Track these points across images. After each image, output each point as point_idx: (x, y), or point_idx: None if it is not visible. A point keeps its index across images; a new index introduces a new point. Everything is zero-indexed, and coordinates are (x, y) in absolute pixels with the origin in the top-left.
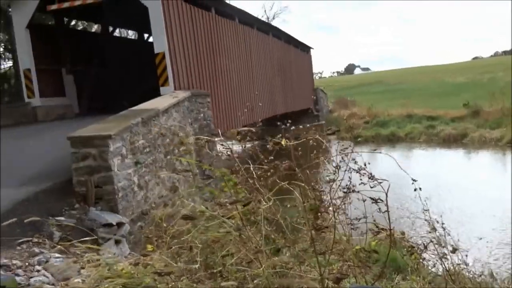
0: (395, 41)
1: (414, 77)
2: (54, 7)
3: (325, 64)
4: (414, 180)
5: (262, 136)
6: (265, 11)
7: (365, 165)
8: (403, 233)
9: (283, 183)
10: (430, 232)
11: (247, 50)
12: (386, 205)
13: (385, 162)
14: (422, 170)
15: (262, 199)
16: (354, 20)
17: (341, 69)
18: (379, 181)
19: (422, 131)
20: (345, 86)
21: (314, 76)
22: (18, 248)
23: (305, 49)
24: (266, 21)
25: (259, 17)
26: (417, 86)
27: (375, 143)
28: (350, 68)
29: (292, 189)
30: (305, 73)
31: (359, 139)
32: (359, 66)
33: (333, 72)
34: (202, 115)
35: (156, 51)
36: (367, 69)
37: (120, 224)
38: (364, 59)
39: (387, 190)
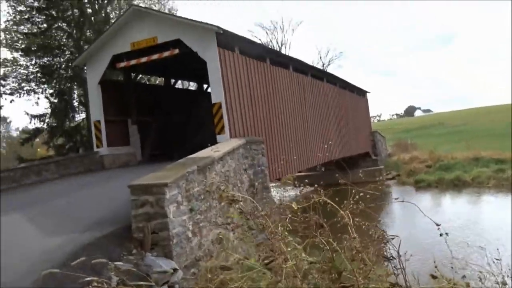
0: (457, 81)
1: (479, 118)
2: (122, 64)
3: (383, 106)
4: (438, 225)
5: (319, 182)
6: (320, 57)
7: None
8: (468, 285)
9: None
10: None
11: (301, 97)
12: (400, 262)
13: (453, 212)
14: (494, 217)
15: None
16: (413, 63)
17: (401, 111)
18: (391, 237)
19: (491, 175)
20: (405, 128)
21: (372, 119)
22: None
23: (361, 93)
24: (322, 67)
25: (315, 63)
26: (483, 127)
27: (438, 188)
28: (410, 110)
29: (325, 244)
30: (361, 117)
31: (420, 184)
32: (419, 108)
33: (392, 115)
34: (256, 161)
35: (213, 101)
36: (429, 110)
37: (174, 270)
38: (425, 100)
39: (398, 247)
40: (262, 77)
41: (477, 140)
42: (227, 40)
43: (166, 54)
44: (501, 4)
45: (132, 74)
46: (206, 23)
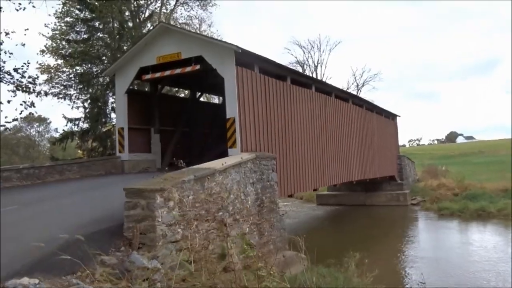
0: (504, 109)
1: None
2: (148, 76)
3: (424, 131)
4: None
5: (341, 202)
6: (355, 78)
7: None
8: None
9: None
10: None
11: (321, 117)
12: None
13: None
14: None
15: None
16: (458, 88)
17: (442, 136)
18: None
19: None
20: (444, 154)
21: (411, 143)
22: (63, 278)
23: (390, 116)
24: (356, 88)
25: (349, 84)
26: None
27: (461, 217)
28: (452, 136)
29: None
30: (388, 140)
31: (443, 211)
32: (462, 135)
33: (433, 140)
34: (266, 176)
35: (227, 116)
36: (471, 137)
37: (155, 269)
38: (469, 127)
39: None
40: (280, 96)
41: None
42: (246, 59)
43: (188, 69)
44: None
45: (158, 86)
46: (226, 42)
